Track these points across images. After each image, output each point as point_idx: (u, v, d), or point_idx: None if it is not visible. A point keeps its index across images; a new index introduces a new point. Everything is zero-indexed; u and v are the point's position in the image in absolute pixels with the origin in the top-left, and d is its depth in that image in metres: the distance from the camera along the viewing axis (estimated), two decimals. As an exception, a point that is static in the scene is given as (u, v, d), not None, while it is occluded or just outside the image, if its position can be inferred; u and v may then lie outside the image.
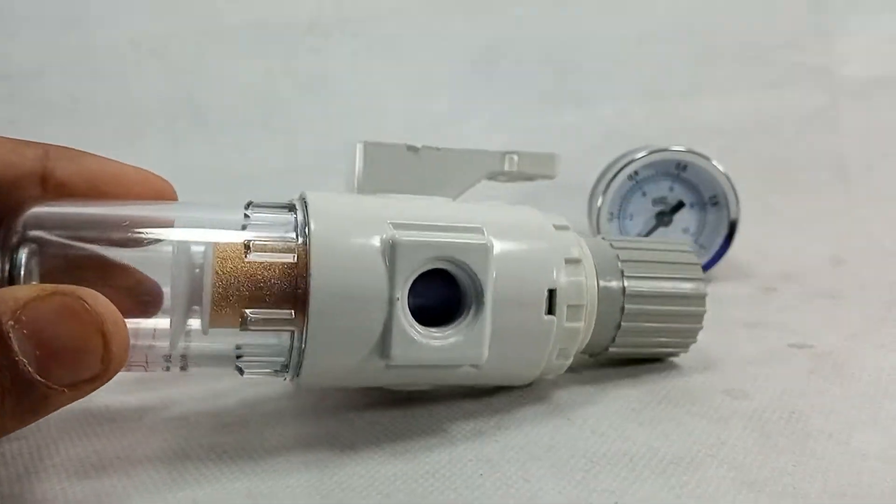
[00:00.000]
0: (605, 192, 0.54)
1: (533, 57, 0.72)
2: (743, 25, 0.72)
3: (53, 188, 0.27)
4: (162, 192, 0.29)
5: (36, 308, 0.21)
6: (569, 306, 0.30)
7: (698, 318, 0.35)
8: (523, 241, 0.30)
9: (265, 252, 0.26)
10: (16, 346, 0.20)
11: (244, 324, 0.26)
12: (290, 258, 0.27)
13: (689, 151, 0.53)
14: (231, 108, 0.74)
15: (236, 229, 0.27)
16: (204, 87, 0.74)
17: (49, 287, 0.22)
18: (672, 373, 0.36)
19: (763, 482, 0.26)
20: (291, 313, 0.26)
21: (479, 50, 0.72)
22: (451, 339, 0.28)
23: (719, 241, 0.54)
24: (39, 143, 0.27)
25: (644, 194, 0.54)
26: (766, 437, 0.29)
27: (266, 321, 0.26)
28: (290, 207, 0.29)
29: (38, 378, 0.20)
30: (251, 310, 0.26)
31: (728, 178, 0.53)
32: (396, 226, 0.28)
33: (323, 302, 0.26)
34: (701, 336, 0.36)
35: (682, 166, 0.54)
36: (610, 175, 0.54)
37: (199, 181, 0.58)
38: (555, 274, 0.30)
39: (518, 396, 0.34)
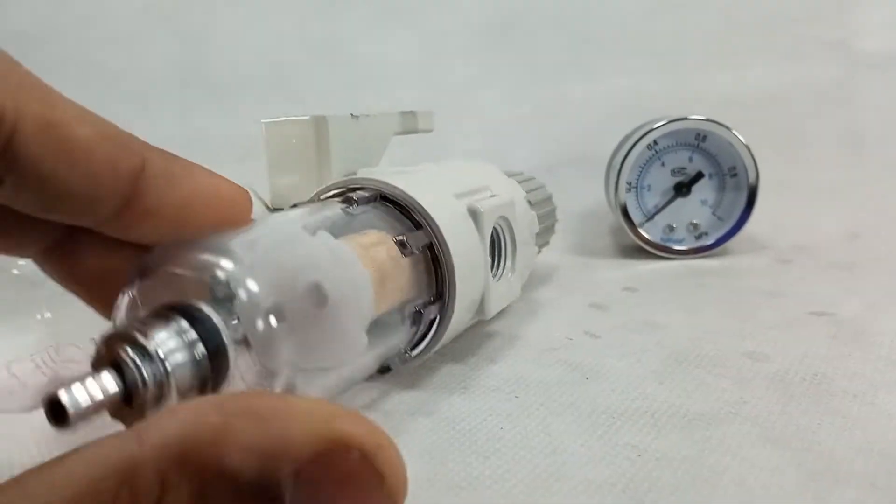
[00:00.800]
0: (623, 162, 0.53)
1: (547, 27, 0.72)
2: (761, -2, 0.71)
3: (136, 215, 0.21)
4: (243, 209, 0.23)
5: (324, 465, 0.15)
6: (536, 234, 0.41)
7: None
8: (508, 190, 0.37)
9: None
10: None
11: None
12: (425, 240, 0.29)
13: (710, 121, 0.53)
14: (243, 75, 0.73)
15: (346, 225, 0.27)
16: (215, 53, 0.74)
17: (339, 432, 0.16)
18: (691, 336, 0.36)
19: (787, 439, 0.26)
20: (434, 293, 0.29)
21: (494, 19, 0.71)
22: (505, 283, 0.34)
23: (737, 213, 0.53)
24: (137, 142, 0.21)
25: (663, 164, 0.54)
26: (790, 397, 0.29)
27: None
28: (379, 196, 0.29)
29: None
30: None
31: (748, 149, 0.52)
32: (458, 195, 0.32)
33: (460, 277, 0.29)
34: (718, 305, 0.37)
35: (701, 136, 0.53)
36: (628, 145, 0.53)
37: (210, 147, 0.57)
38: (533, 215, 0.40)
39: (535, 357, 0.34)
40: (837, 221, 0.61)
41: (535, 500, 0.23)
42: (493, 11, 0.71)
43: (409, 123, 0.42)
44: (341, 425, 0.15)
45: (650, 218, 0.54)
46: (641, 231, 0.54)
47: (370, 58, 0.72)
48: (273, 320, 0.19)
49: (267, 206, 0.38)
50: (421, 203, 0.29)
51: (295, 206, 0.29)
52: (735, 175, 0.54)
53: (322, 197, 0.30)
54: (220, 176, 0.23)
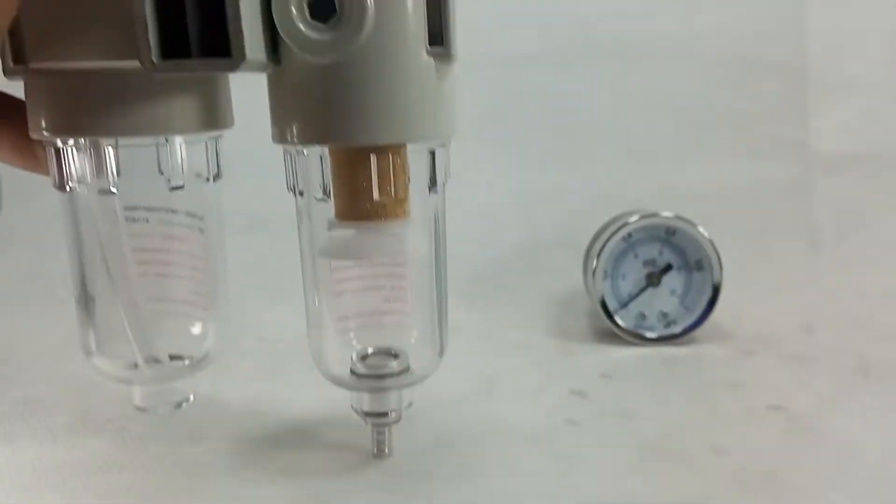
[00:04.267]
0: (599, 253, 0.57)
1: (531, 118, 0.77)
2: (728, 98, 0.77)
3: None
4: None
5: None
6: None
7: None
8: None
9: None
10: None
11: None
12: None
13: (678, 217, 0.57)
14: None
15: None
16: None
17: None
18: (662, 427, 0.40)
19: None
20: None
21: (480, 108, 0.76)
22: None
23: (703, 303, 0.58)
24: None
25: (636, 256, 0.58)
26: (749, 493, 0.33)
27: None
28: None
29: None
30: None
31: (712, 244, 0.57)
32: None
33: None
34: (686, 394, 0.40)
35: (671, 231, 0.58)
36: (605, 237, 0.58)
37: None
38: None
39: (520, 445, 0.38)
40: (795, 313, 0.65)
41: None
42: (480, 100, 0.76)
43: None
44: None
45: (624, 305, 0.58)
46: (616, 318, 0.58)
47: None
48: None
49: None
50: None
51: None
52: (701, 268, 0.58)
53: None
54: None
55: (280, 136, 0.30)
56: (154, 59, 0.25)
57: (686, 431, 0.40)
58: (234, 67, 0.26)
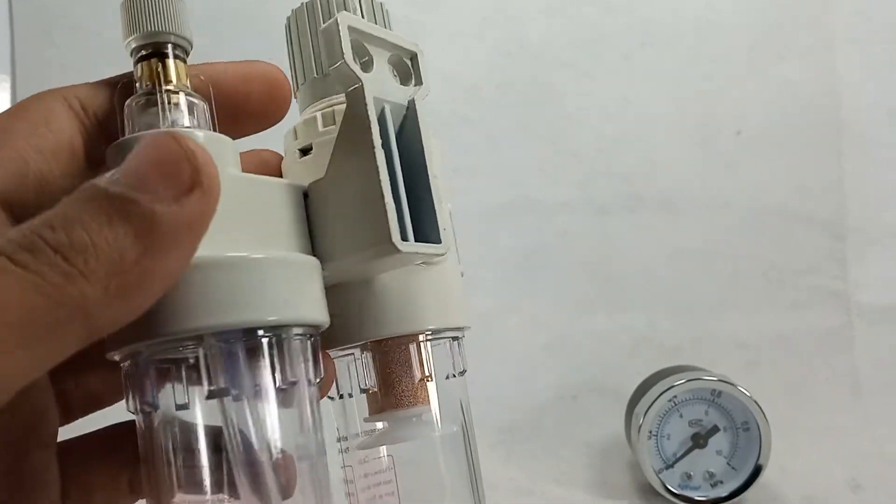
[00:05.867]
0: (646, 412, 0.57)
1: (572, 263, 0.78)
2: (767, 250, 0.78)
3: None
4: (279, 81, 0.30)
5: (126, 162, 0.21)
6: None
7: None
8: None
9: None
10: (103, 185, 0.20)
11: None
12: None
13: (723, 381, 0.57)
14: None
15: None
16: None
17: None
18: None
19: None
20: None
21: (522, 252, 0.78)
22: None
23: (751, 464, 0.57)
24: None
25: (681, 416, 0.58)
26: None
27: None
28: None
29: (137, 195, 0.20)
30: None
31: (759, 406, 0.57)
32: None
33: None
34: None
35: (716, 393, 0.58)
36: (651, 397, 0.58)
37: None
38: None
39: None
40: (841, 469, 0.65)
41: None
42: (522, 244, 0.78)
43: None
44: None
45: (670, 466, 0.58)
46: (660, 478, 0.57)
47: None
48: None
49: None
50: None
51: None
52: (748, 429, 0.58)
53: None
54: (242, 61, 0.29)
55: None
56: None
57: None
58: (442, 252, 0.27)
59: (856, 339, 0.77)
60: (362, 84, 0.25)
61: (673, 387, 0.58)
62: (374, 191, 0.25)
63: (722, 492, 0.57)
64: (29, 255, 0.19)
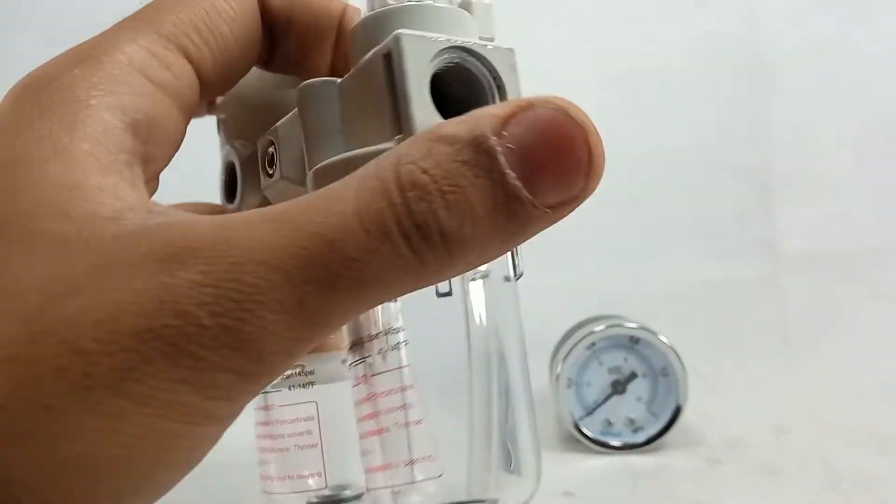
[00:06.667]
0: (564, 360, 0.57)
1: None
2: (694, 200, 0.78)
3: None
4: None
5: (518, 123, 0.19)
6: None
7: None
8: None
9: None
10: (503, 161, 0.19)
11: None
12: None
13: (641, 328, 0.57)
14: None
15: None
16: None
17: (524, 101, 0.20)
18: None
19: None
20: None
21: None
22: None
23: (669, 410, 0.57)
24: None
25: (601, 363, 0.58)
26: None
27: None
28: None
29: (528, 196, 0.19)
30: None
31: (675, 352, 0.57)
32: None
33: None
34: None
35: (634, 339, 0.57)
36: (569, 345, 0.57)
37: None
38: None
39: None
40: (766, 415, 0.65)
41: None
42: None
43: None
44: (529, 99, 0.20)
45: (590, 413, 0.58)
46: (581, 425, 0.57)
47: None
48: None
49: None
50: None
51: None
52: (667, 375, 0.58)
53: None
54: None
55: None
56: None
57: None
58: None
59: (784, 288, 0.77)
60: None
61: (592, 333, 0.57)
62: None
63: (640, 437, 0.57)
64: (423, 244, 0.19)
